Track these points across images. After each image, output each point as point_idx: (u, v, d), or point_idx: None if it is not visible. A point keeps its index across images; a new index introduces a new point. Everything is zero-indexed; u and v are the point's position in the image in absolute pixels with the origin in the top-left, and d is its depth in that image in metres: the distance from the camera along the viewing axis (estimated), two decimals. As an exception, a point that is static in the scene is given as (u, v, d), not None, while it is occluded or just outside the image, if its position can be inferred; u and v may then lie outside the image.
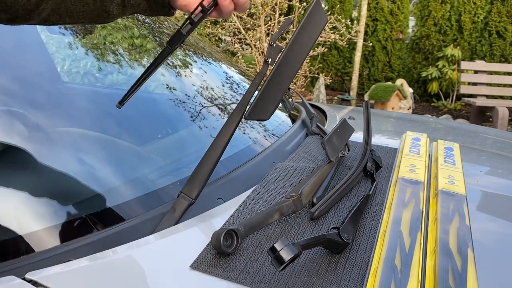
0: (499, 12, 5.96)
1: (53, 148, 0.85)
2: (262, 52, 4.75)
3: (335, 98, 6.56)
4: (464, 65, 5.72)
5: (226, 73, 1.47)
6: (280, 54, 0.74)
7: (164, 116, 1.14)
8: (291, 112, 1.45)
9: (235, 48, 5.03)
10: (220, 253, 0.63)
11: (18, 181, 0.76)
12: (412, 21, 6.86)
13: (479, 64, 5.64)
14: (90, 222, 0.73)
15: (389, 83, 5.90)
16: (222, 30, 5.02)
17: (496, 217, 0.89)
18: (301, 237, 0.70)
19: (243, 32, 4.79)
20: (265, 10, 4.64)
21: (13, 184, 0.75)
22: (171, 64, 1.35)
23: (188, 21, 0.73)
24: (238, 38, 4.99)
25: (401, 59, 6.84)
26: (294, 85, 5.08)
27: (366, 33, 6.62)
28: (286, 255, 0.53)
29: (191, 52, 1.47)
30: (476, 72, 5.60)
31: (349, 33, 5.35)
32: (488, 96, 5.51)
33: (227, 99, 1.31)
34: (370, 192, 0.84)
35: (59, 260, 0.60)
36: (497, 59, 6.06)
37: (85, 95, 1.18)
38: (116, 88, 1.26)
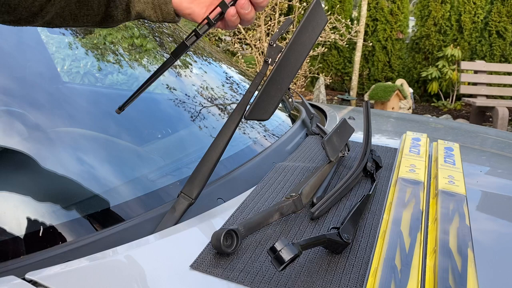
0: (499, 12, 5.96)
1: (53, 148, 0.85)
2: (262, 52, 4.76)
3: (335, 98, 6.56)
4: (464, 65, 5.72)
5: (226, 73, 1.47)
6: (280, 54, 0.74)
7: (164, 116, 1.14)
8: (291, 112, 1.45)
9: (235, 48, 5.03)
10: (220, 253, 0.63)
11: (18, 181, 0.76)
12: (412, 21, 6.87)
13: (479, 64, 5.64)
14: (90, 222, 0.73)
15: (389, 83, 5.90)
16: (222, 30, 5.02)
17: (496, 217, 0.89)
18: (301, 237, 0.70)
19: (243, 32, 4.79)
20: (265, 10, 4.64)
21: (13, 184, 0.75)
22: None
23: (193, 33, 0.73)
24: (238, 38, 5.00)
25: (401, 59, 6.84)
26: (294, 85, 5.08)
27: (366, 33, 6.62)
28: (286, 255, 0.53)
29: (191, 52, 1.47)
30: (476, 72, 5.60)
31: (349, 33, 5.36)
32: (488, 96, 5.51)
33: (227, 99, 1.31)
34: (370, 192, 0.84)
35: (59, 260, 0.60)
36: (497, 59, 6.06)
37: (85, 95, 1.18)
38: (116, 88, 1.26)
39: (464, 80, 5.68)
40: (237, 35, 4.93)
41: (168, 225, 0.70)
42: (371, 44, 6.22)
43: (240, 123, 0.77)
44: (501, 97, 5.58)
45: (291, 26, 4.21)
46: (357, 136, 1.18)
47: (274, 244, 0.54)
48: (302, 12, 4.81)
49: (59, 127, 0.93)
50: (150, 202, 0.78)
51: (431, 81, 6.35)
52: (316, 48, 4.78)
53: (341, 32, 5.07)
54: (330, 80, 6.01)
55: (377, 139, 1.34)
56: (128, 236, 0.66)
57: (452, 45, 6.26)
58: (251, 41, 4.75)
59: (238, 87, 1.42)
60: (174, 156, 1.02)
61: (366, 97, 5.88)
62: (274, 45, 0.74)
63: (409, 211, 0.75)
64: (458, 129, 1.66)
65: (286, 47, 0.73)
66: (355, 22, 5.86)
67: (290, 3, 4.81)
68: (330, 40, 4.98)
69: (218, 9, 0.71)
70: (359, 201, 0.77)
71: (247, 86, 1.42)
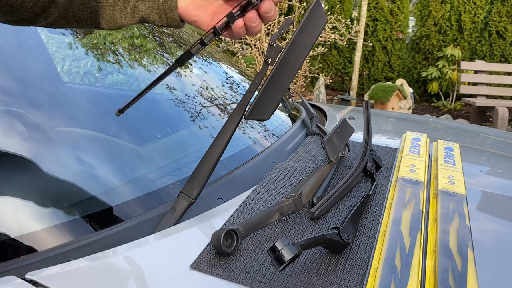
0: (499, 12, 5.97)
1: (53, 148, 0.85)
2: (262, 52, 4.76)
3: (335, 98, 6.56)
4: (464, 65, 5.72)
5: (226, 73, 1.47)
6: (280, 54, 0.74)
7: (164, 116, 1.14)
8: (291, 112, 1.45)
9: (235, 48, 5.03)
10: (220, 253, 0.63)
11: (18, 181, 0.76)
12: (412, 21, 6.87)
13: (479, 64, 5.64)
14: (90, 222, 0.73)
15: (389, 83, 5.90)
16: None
17: (496, 217, 0.89)
18: (301, 237, 0.70)
19: (243, 32, 4.78)
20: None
21: (13, 184, 0.75)
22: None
23: (199, 41, 0.73)
24: (238, 38, 4.98)
25: (401, 59, 6.84)
26: (294, 85, 5.08)
27: (366, 33, 6.62)
28: (286, 255, 0.53)
29: (191, 52, 1.47)
30: (476, 72, 5.60)
31: (349, 33, 5.36)
32: (488, 96, 5.51)
33: (227, 99, 1.31)
34: (370, 192, 0.84)
35: (59, 260, 0.60)
36: (497, 59, 6.06)
37: (85, 95, 1.18)
38: (116, 88, 1.26)
39: (464, 80, 5.68)
40: (237, 35, 4.92)
41: (168, 225, 0.70)
42: (371, 44, 6.22)
43: (240, 123, 0.77)
44: (501, 97, 5.58)
45: (291, 26, 4.21)
46: (357, 136, 1.18)
47: (274, 244, 0.54)
48: (302, 12, 4.81)
49: (59, 127, 0.93)
50: (150, 202, 0.78)
51: (431, 81, 6.36)
52: (316, 48, 4.78)
53: (341, 32, 5.07)
54: (330, 80, 6.01)
55: (377, 139, 1.34)
56: (128, 236, 0.66)
57: (452, 45, 6.26)
58: (251, 41, 4.75)
59: (238, 87, 1.42)
60: (174, 156, 1.02)
61: (366, 97, 5.88)
62: (274, 45, 0.74)
63: (409, 211, 0.75)
64: (458, 129, 1.66)
65: (286, 47, 0.73)
66: (355, 22, 5.87)
67: (290, 3, 4.81)
68: (330, 40, 4.98)
69: (225, 19, 0.70)
70: (359, 201, 0.77)
71: (247, 86, 1.42)
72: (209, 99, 1.24)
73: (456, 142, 1.18)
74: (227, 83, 1.40)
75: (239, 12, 0.70)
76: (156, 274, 0.59)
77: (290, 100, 1.48)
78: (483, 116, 5.52)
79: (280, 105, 1.39)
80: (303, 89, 5.95)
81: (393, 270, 0.58)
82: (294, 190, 0.81)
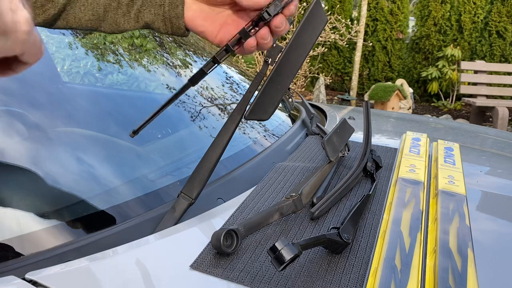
0: (499, 12, 5.97)
1: (53, 148, 0.85)
2: (262, 52, 4.75)
3: (335, 98, 6.56)
4: (464, 65, 5.73)
5: (226, 73, 1.47)
6: (280, 54, 0.74)
7: (164, 116, 1.14)
8: (291, 112, 1.45)
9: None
10: (220, 253, 0.63)
11: (18, 181, 0.76)
12: (412, 21, 6.87)
13: (479, 64, 5.64)
14: (90, 222, 0.73)
15: (389, 83, 5.90)
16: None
17: (496, 217, 0.89)
18: (301, 237, 0.70)
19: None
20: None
21: (13, 184, 0.75)
22: (171, 64, 1.36)
23: (211, 59, 0.71)
24: (238, 38, 4.98)
25: (401, 59, 6.84)
26: (294, 85, 5.08)
27: (366, 33, 6.62)
28: (286, 255, 0.53)
29: (191, 52, 1.47)
30: (476, 72, 5.60)
31: (349, 33, 5.36)
32: (488, 96, 5.51)
33: (227, 99, 1.31)
34: (370, 192, 0.84)
35: (59, 260, 0.60)
36: (497, 59, 6.07)
37: (85, 95, 1.18)
38: (116, 88, 1.26)
39: (464, 80, 5.68)
40: (237, 35, 4.92)
41: (168, 225, 0.70)
42: (371, 44, 6.22)
43: (240, 123, 0.77)
44: (501, 97, 5.58)
45: (291, 26, 4.21)
46: (357, 136, 1.18)
47: (274, 244, 0.54)
48: (302, 12, 4.81)
49: (59, 127, 0.93)
50: (150, 202, 0.78)
51: (431, 81, 6.36)
52: (316, 48, 4.78)
53: (341, 32, 5.07)
54: (330, 80, 6.01)
55: (377, 139, 1.34)
56: (128, 236, 0.66)
57: (452, 45, 6.26)
58: (251, 41, 4.74)
59: (238, 87, 1.42)
60: (174, 156, 1.02)
61: (366, 97, 5.88)
62: (274, 45, 0.74)
63: (409, 211, 0.75)
64: (458, 129, 1.66)
65: (286, 47, 0.73)
66: (355, 22, 5.87)
67: (290, 3, 4.80)
68: (330, 40, 4.98)
69: (238, 36, 0.68)
70: (359, 201, 0.77)
71: (247, 86, 1.42)
72: (209, 99, 1.24)
73: (456, 142, 1.18)
74: (227, 83, 1.40)
75: (250, 28, 0.67)
76: (156, 274, 0.60)
77: (290, 100, 1.48)
78: (483, 116, 5.52)
79: (280, 105, 1.40)
80: (303, 89, 5.95)
81: (393, 270, 0.58)
82: (294, 190, 0.81)
